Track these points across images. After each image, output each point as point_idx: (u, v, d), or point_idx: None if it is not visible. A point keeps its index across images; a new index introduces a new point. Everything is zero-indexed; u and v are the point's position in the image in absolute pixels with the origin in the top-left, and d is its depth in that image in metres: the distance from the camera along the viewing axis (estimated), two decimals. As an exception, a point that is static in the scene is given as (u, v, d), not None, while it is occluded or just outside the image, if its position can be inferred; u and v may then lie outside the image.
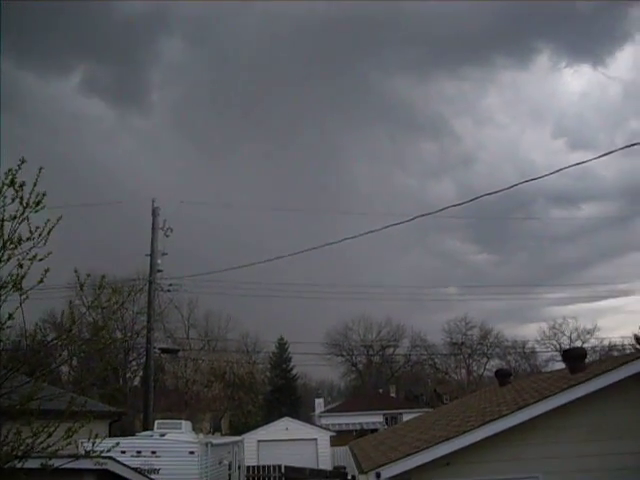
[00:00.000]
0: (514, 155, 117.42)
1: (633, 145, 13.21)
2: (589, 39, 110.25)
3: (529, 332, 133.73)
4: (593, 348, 76.84)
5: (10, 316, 6.51)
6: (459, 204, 18.11)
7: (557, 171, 15.51)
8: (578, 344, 79.85)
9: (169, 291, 32.37)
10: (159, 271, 30.90)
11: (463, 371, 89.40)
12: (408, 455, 10.83)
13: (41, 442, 6.62)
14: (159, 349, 37.34)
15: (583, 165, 15.62)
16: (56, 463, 6.91)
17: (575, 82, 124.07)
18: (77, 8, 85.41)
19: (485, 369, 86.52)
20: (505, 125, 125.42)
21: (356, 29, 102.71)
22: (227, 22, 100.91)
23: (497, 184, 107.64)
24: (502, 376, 19.28)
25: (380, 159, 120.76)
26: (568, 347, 75.11)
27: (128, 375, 63.74)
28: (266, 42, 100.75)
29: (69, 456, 7.06)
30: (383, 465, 10.79)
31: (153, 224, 31.12)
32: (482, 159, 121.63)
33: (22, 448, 6.51)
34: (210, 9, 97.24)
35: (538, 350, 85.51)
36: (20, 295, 6.44)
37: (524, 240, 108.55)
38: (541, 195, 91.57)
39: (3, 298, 6.35)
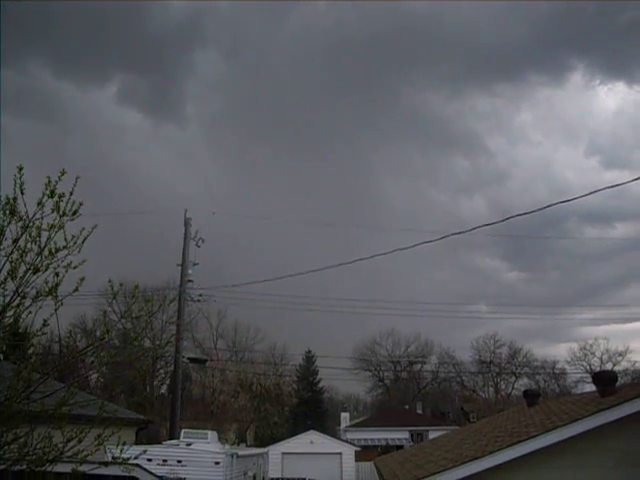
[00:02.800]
0: (547, 173, 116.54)
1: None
2: (623, 56, 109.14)
3: (559, 352, 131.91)
4: (624, 371, 75.67)
5: (45, 323, 6.64)
6: (491, 224, 17.98)
7: (592, 192, 15.31)
8: (609, 366, 78.77)
9: (199, 301, 32.61)
10: (189, 281, 31.15)
11: (491, 389, 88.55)
12: (434, 474, 10.75)
13: (72, 447, 6.73)
14: (187, 358, 37.62)
15: (619, 185, 15.41)
16: (85, 469, 7.01)
17: (609, 100, 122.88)
18: (114, 20, 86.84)
19: (513, 388, 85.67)
20: (538, 143, 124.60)
21: (388, 45, 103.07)
22: (261, 37, 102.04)
23: (529, 201, 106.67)
24: (530, 397, 19.03)
25: (412, 175, 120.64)
26: (599, 369, 74.01)
27: (155, 383, 64.18)
28: (299, 58, 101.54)
29: (99, 462, 7.16)
30: (408, 483, 10.73)
31: (185, 234, 31.42)
32: (515, 176, 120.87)
33: (53, 453, 6.62)
34: (244, 23, 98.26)
35: (568, 371, 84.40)
36: (55, 302, 6.57)
37: (557, 258, 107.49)
38: (574, 213, 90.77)
39: (39, 305, 6.48)
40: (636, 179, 14.67)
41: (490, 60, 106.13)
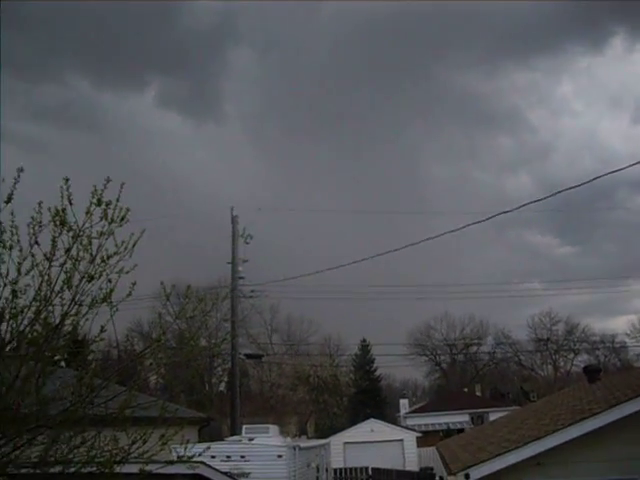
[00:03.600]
0: (593, 143, 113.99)
1: None
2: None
3: (618, 325, 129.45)
4: (688, 340, 73.84)
5: (102, 329, 6.79)
6: (539, 200, 17.79)
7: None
8: (672, 336, 76.92)
9: (251, 297, 32.93)
10: (241, 278, 31.46)
11: (550, 367, 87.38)
12: (497, 455, 10.70)
13: (137, 448, 6.88)
14: (244, 355, 38.10)
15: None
16: (152, 468, 7.16)
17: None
18: (146, 24, 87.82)
19: (573, 365, 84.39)
20: (582, 113, 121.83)
21: (422, 26, 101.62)
22: (293, 28, 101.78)
23: (577, 174, 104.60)
24: (591, 372, 18.74)
25: (456, 156, 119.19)
26: (661, 340, 72.42)
27: (214, 381, 65.04)
28: (333, 46, 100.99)
29: (165, 462, 7.31)
30: (472, 466, 10.70)
31: (233, 232, 31.71)
32: (560, 149, 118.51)
33: (120, 454, 6.78)
34: (276, 16, 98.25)
35: (629, 344, 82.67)
36: (110, 308, 6.72)
37: (609, 230, 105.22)
38: (624, 183, 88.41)
39: (95, 312, 6.64)
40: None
41: (525, 33, 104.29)
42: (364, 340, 71.54)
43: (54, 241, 6.40)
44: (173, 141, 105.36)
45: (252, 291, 32.29)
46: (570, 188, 16.37)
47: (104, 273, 6.58)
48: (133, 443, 6.82)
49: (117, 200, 6.74)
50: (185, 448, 7.63)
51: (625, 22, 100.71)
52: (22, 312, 6.48)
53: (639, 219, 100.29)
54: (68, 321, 6.68)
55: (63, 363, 9.83)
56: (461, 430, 48.28)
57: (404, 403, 65.62)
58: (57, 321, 6.46)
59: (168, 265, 56.65)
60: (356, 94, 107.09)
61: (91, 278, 6.47)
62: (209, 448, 9.36)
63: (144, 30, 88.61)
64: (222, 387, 65.12)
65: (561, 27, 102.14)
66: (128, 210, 6.80)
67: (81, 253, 6.56)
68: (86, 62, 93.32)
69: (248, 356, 43.03)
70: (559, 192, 16.82)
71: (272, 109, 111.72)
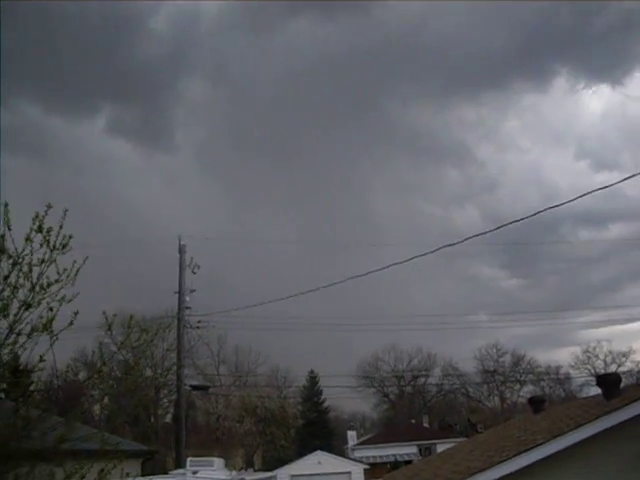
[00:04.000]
0: (538, 178, 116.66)
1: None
2: (606, 59, 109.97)
3: (563, 357, 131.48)
4: (629, 372, 75.50)
5: (41, 358, 6.60)
6: (483, 233, 18.02)
7: (582, 196, 15.39)
8: (613, 368, 78.67)
9: (198, 327, 32.46)
10: (187, 308, 31.04)
11: (496, 398, 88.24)
12: (443, 487, 10.68)
13: (74, 483, 6.67)
14: (190, 386, 37.40)
15: (608, 186, 15.48)
16: (89, 504, 6.93)
17: (595, 103, 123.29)
18: (100, 52, 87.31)
19: (519, 396, 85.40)
20: (527, 149, 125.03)
21: (373, 61, 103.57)
22: (246, 60, 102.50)
23: (522, 208, 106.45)
24: (536, 403, 18.97)
25: (404, 189, 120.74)
26: (603, 371, 73.90)
27: (160, 412, 63.83)
28: (284, 78, 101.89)
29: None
30: (417, 498, 10.65)
31: (180, 262, 31.33)
32: (506, 184, 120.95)
33: (55, 490, 6.56)
34: (228, 47, 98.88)
35: (572, 375, 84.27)
36: (51, 337, 6.54)
37: (554, 263, 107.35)
38: (568, 217, 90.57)
39: (34, 341, 6.45)
40: (625, 179, 14.78)
41: (474, 70, 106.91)
42: (312, 371, 71.30)
43: (-9, 268, 6.23)
44: (123, 169, 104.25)
45: (199, 321, 31.87)
46: (513, 222, 16.71)
47: (44, 301, 6.42)
48: (69, 478, 6.60)
49: (60, 227, 6.60)
50: (125, 482, 7.43)
51: (567, 63, 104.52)
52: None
53: (581, 253, 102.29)
54: (6, 350, 6.47)
55: (2, 394, 9.52)
56: (409, 462, 48.22)
57: (352, 435, 65.32)
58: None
59: (115, 294, 55.66)
60: (307, 126, 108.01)
61: (29, 306, 6.29)
62: (151, 482, 9.11)
63: (96, 56, 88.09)
64: (168, 419, 63.91)
65: (509, 65, 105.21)
66: (70, 237, 6.67)
67: (21, 280, 6.38)
68: (37, 87, 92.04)
69: (194, 387, 42.27)
70: (503, 226, 17.15)
71: (223, 140, 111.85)
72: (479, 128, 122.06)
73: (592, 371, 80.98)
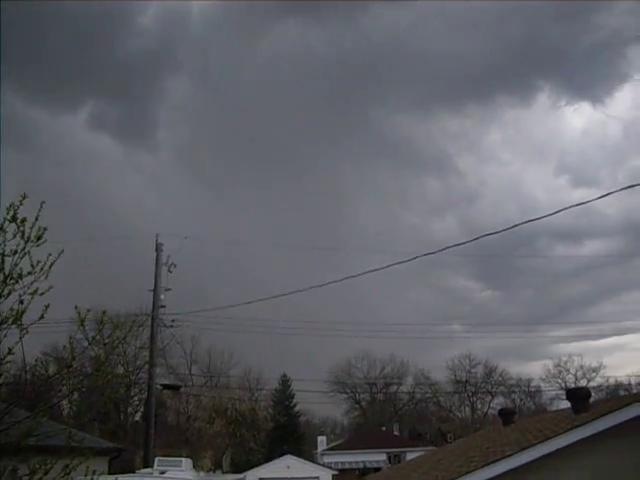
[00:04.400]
0: (517, 192, 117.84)
1: (633, 186, 13.26)
2: (588, 78, 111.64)
3: (534, 370, 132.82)
4: (599, 387, 76.29)
5: (10, 351, 6.51)
6: (460, 244, 18.08)
7: (559, 211, 15.51)
8: (584, 382, 79.38)
9: (172, 327, 32.24)
10: (162, 307, 30.85)
11: (467, 409, 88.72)
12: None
13: (38, 479, 6.57)
14: (161, 385, 37.18)
15: (585, 202, 15.63)
16: (53, 501, 6.83)
17: (576, 120, 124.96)
18: (86, 45, 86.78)
19: (489, 407, 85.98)
20: (508, 162, 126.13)
21: (357, 69, 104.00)
22: (231, 62, 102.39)
23: (500, 220, 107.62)
24: (506, 415, 19.07)
25: (384, 197, 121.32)
26: (573, 385, 74.56)
27: (129, 410, 63.35)
28: (269, 81, 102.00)
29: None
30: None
31: (157, 260, 31.15)
32: (485, 196, 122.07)
33: (18, 486, 6.47)
34: (215, 48, 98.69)
35: (543, 388, 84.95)
36: (20, 330, 6.45)
37: (529, 277, 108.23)
38: (545, 232, 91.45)
39: (3, 333, 6.36)
40: (602, 197, 14.92)
41: (459, 82, 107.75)
42: (285, 375, 71.21)
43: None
44: (102, 164, 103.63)
45: (173, 320, 31.66)
46: (489, 234, 16.81)
47: (15, 293, 6.33)
48: (33, 474, 6.50)
49: (36, 219, 6.53)
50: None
51: (550, 80, 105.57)
52: None
53: (556, 267, 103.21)
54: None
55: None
56: (378, 469, 48.26)
57: (322, 440, 65.28)
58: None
59: (89, 290, 55.18)
60: (289, 128, 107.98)
61: (-2, 297, 6.22)
62: (116, 480, 9.02)
63: (82, 49, 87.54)
64: (138, 417, 63.46)
65: (493, 79, 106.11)
66: (45, 229, 6.59)
67: (-8, 270, 6.30)
68: (20, 78, 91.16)
69: (165, 386, 42.02)
70: (479, 237, 17.23)
71: (206, 140, 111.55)
72: (461, 139, 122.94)
73: (563, 385, 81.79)
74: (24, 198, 6.34)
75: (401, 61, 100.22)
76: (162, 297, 30.74)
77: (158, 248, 31.33)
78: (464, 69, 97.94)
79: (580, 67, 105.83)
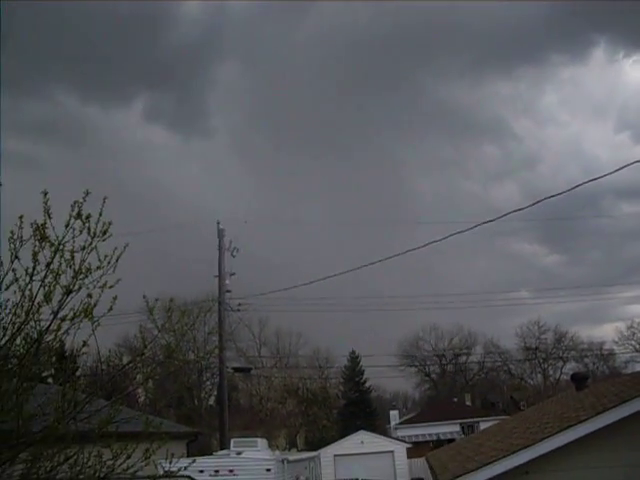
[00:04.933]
0: (578, 152, 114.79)
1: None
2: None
3: (606, 333, 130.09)
4: (676, 346, 74.23)
5: (84, 343, 6.75)
6: (521, 209, 17.81)
7: (621, 168, 15.12)
8: (659, 343, 77.33)
9: (239, 310, 32.79)
10: (228, 291, 31.36)
11: (539, 376, 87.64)
12: (485, 465, 10.67)
13: (121, 464, 6.81)
14: (232, 368, 37.88)
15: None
16: (136, 483, 7.08)
17: (635, 73, 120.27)
18: (133, 38, 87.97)
19: (562, 373, 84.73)
20: (566, 123, 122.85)
21: (405, 39, 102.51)
22: (278, 42, 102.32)
23: (562, 183, 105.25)
24: (579, 380, 18.76)
25: (443, 166, 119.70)
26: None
27: (203, 395, 64.70)
28: (318, 60, 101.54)
29: (149, 476, 7.23)
30: (460, 476, 10.68)
31: (219, 246, 31.64)
32: (545, 159, 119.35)
33: (104, 470, 6.72)
34: (260, 30, 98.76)
35: (617, 351, 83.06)
36: (92, 323, 6.67)
37: (595, 238, 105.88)
38: (609, 191, 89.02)
39: (77, 326, 6.59)
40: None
41: (509, 44, 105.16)
42: (353, 352, 71.49)
43: (35, 256, 6.37)
44: (160, 155, 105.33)
45: (239, 304, 32.18)
46: (551, 196, 16.49)
47: (84, 287, 6.54)
48: (116, 458, 6.76)
49: (100, 214, 6.72)
50: (170, 462, 7.57)
51: (605, 33, 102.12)
52: (3, 328, 6.44)
53: (623, 227, 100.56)
54: (50, 336, 6.62)
55: (51, 379, 9.77)
56: (451, 440, 48.20)
57: (394, 414, 65.51)
58: (36, 336, 6.41)
59: (156, 279, 56.43)
60: (342, 106, 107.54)
61: (69, 292, 6.42)
62: (195, 461, 9.28)
63: (130, 45, 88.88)
64: (211, 401, 64.80)
65: (544, 38, 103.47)
66: (110, 224, 6.78)
67: (63, 267, 6.52)
68: (73, 77, 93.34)
69: (236, 369, 42.80)
70: (540, 201, 16.94)
71: (258, 123, 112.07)
72: (516, 103, 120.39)
73: (637, 347, 79.87)
74: (87, 194, 6.52)
75: (447, 29, 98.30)
76: (227, 282, 31.25)
77: (220, 234, 31.81)
78: (513, 30, 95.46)
79: (636, 15, 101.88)
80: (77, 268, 6.53)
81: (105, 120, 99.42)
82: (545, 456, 10.29)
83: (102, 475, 6.75)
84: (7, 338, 6.42)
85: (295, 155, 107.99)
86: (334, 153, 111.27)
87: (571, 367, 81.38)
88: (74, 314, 6.47)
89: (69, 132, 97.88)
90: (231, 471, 20.15)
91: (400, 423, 63.55)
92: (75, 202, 6.48)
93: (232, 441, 24.62)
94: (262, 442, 24.59)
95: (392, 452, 41.92)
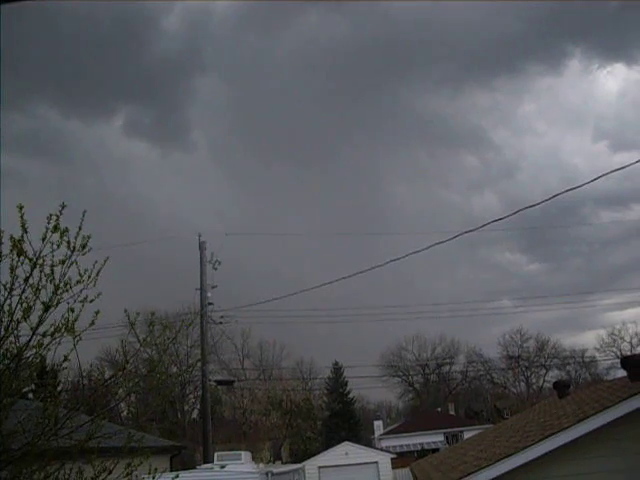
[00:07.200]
0: (556, 162, 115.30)
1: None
2: (619, 37, 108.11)
3: (588, 340, 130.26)
4: (656, 353, 74.82)
5: (65, 358, 6.70)
6: (501, 218, 17.88)
7: (598, 178, 15.27)
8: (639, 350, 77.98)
9: (221, 323, 32.63)
10: (210, 304, 31.22)
11: (522, 384, 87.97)
12: (468, 474, 10.70)
13: (103, 479, 6.77)
14: (214, 381, 37.68)
15: (625, 167, 15.31)
16: (118, 499, 7.02)
17: (610, 82, 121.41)
18: (113, 52, 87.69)
19: (544, 381, 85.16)
20: (544, 132, 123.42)
21: (384, 52, 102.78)
22: (258, 56, 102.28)
23: (541, 192, 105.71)
24: (561, 388, 18.89)
25: (422, 178, 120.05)
26: (630, 353, 73.32)
27: (186, 408, 64.33)
28: (297, 73, 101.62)
29: (130, 493, 7.18)
30: (444, 485, 10.67)
31: (201, 258, 31.52)
32: (524, 168, 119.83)
33: (84, 487, 6.67)
34: (240, 44, 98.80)
35: (598, 358, 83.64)
36: (73, 338, 6.63)
37: (576, 246, 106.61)
38: (589, 199, 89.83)
39: (57, 341, 6.54)
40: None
41: (486, 55, 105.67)
42: (336, 363, 71.42)
43: (13, 270, 6.32)
44: (141, 169, 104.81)
45: (222, 317, 32.03)
46: (530, 206, 16.60)
47: (64, 302, 6.50)
48: (98, 474, 6.71)
49: (79, 228, 6.69)
50: (153, 477, 7.51)
51: (580, 44, 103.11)
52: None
53: (603, 234, 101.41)
54: (31, 352, 6.57)
55: (31, 394, 9.67)
56: (436, 450, 48.26)
57: (378, 425, 65.45)
58: (16, 352, 6.36)
59: (138, 292, 56.16)
60: (322, 119, 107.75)
61: (48, 307, 6.38)
62: (177, 477, 9.21)
63: (111, 59, 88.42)
64: (195, 415, 64.44)
65: (520, 49, 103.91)
66: (89, 237, 6.75)
67: (42, 281, 6.48)
68: (54, 91, 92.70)
69: (219, 382, 42.60)
70: (519, 210, 17.04)
71: (239, 136, 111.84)
72: (494, 113, 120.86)
73: (618, 354, 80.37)
74: (63, 207, 6.49)
75: (425, 41, 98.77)
76: (209, 295, 31.11)
77: (201, 246, 31.70)
78: (490, 42, 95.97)
79: (610, 27, 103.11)
80: (57, 282, 6.49)
81: (86, 134, 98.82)
82: (528, 464, 10.34)
83: (83, 492, 6.70)
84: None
85: (276, 168, 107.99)
86: (315, 165, 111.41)
87: (554, 375, 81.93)
88: (55, 329, 6.43)
89: (50, 146, 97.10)
90: (215, 485, 19.99)
91: (384, 433, 63.50)
92: (51, 215, 6.44)
93: (216, 455, 24.47)
94: (246, 455, 24.45)
95: (376, 463, 41.82)
